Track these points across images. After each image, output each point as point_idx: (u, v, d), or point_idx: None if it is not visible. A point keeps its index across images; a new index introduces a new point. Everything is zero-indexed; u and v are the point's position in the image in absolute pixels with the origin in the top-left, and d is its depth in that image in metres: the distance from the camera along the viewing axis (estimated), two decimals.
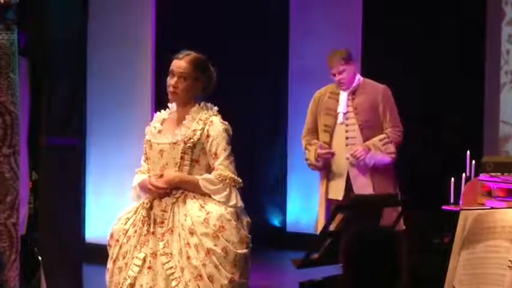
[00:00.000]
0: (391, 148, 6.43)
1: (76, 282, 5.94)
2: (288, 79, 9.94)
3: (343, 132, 6.48)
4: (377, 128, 6.47)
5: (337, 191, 6.42)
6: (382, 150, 6.39)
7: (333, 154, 6.44)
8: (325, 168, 6.50)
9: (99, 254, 5.50)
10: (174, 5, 8.65)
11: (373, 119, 6.46)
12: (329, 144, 6.50)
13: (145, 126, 4.69)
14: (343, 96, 6.50)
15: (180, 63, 4.50)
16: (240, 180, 4.45)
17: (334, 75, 6.48)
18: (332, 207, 5.81)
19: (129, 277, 4.41)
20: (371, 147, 6.39)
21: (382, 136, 6.44)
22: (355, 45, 9.12)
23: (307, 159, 6.60)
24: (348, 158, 6.37)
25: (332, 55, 6.53)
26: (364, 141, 6.41)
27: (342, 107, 6.49)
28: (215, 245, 4.29)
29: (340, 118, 6.47)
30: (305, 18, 9.76)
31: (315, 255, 4.50)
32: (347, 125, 6.48)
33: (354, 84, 6.50)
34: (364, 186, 6.32)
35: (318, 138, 6.57)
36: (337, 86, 6.51)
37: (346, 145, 6.45)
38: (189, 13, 8.79)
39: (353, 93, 6.49)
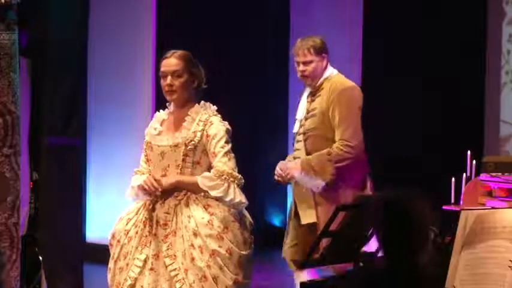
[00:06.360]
0: (328, 168, 5.03)
1: (76, 282, 5.95)
2: (288, 79, 9.93)
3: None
4: (328, 139, 5.12)
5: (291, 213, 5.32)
6: (316, 169, 5.04)
7: None
8: None
9: (99, 253, 5.51)
10: (174, 5, 8.65)
11: (321, 126, 5.12)
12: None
13: (146, 126, 4.69)
14: (303, 99, 5.30)
15: (170, 62, 4.49)
16: (240, 176, 4.43)
17: (298, 64, 5.23)
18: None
19: (129, 278, 4.41)
20: (304, 165, 5.09)
21: (322, 152, 5.07)
22: (355, 45, 9.13)
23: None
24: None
25: (300, 41, 5.26)
26: (308, 155, 5.14)
27: (299, 113, 5.30)
28: (219, 246, 4.30)
29: (296, 126, 5.30)
30: (305, 18, 9.75)
31: (315, 255, 4.50)
32: (299, 134, 5.25)
33: (319, 82, 5.21)
34: (307, 214, 5.08)
35: None
36: (300, 79, 5.31)
37: (294, 158, 5.25)
38: (190, 13, 8.79)
39: (313, 95, 5.23)
